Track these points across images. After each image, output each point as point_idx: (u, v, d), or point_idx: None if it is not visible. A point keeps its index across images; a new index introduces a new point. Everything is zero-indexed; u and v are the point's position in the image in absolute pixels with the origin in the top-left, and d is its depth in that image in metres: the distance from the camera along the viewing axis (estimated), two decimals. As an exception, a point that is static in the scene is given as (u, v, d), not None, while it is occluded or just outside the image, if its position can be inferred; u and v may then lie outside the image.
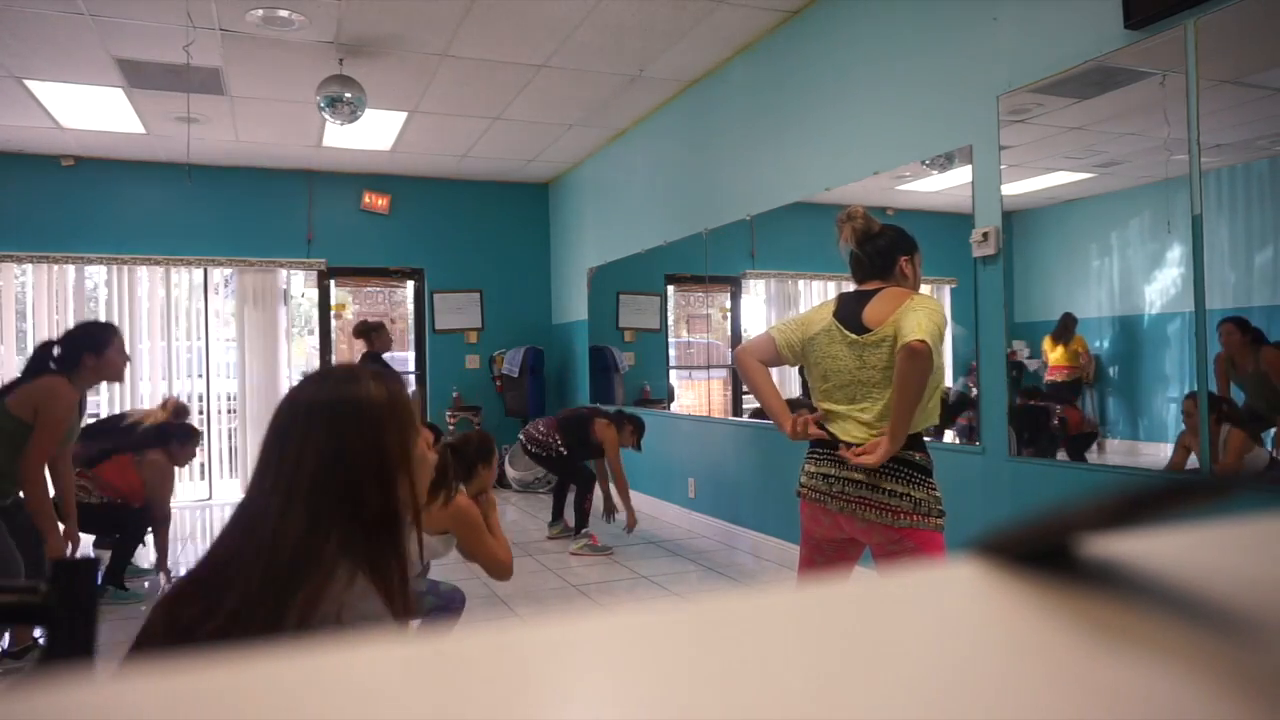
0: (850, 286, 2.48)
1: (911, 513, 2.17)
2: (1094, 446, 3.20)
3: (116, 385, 6.46)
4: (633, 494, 6.72)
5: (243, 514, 1.15)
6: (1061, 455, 3.25)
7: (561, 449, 5.24)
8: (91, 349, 3.19)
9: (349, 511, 1.13)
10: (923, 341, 2.03)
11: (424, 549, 2.82)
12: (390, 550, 1.16)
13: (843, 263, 2.51)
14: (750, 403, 5.69)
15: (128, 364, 3.36)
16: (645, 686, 0.22)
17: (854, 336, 2.26)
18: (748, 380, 2.47)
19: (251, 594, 1.06)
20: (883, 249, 2.37)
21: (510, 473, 7.56)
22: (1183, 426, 2.75)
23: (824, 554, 2.41)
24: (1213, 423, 2.60)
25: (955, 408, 3.67)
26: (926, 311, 2.15)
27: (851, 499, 2.21)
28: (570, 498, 5.38)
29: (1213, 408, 2.61)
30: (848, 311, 2.32)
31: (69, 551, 3.20)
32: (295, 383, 1.25)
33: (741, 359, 2.45)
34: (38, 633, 3.38)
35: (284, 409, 1.18)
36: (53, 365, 3.15)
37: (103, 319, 7.20)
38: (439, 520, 2.80)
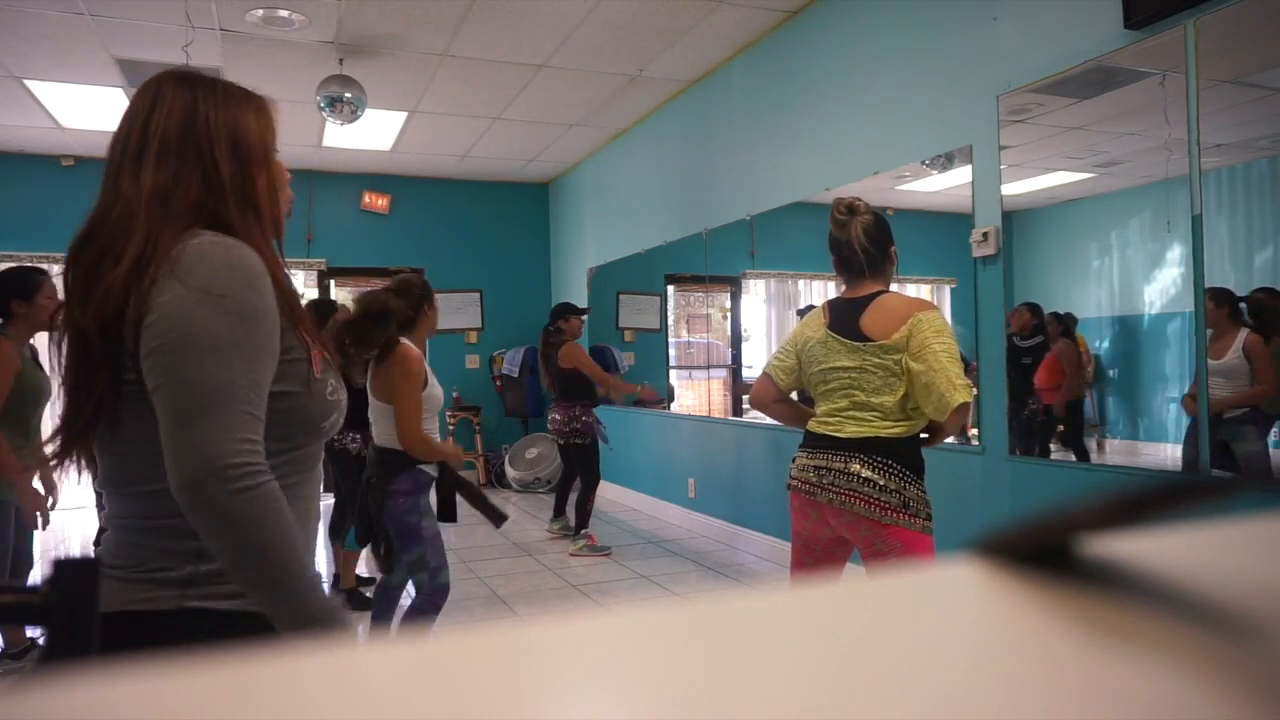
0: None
1: (900, 510, 2.17)
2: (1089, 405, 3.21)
3: None
4: (633, 494, 6.73)
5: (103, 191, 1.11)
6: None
7: (578, 432, 5.25)
8: (19, 295, 2.98)
9: (201, 173, 1.10)
10: (965, 403, 2.15)
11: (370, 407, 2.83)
12: (254, 230, 1.14)
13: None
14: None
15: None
16: (645, 686, 0.22)
17: (855, 344, 2.25)
18: (777, 419, 2.59)
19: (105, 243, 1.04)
20: (877, 239, 2.34)
21: (510, 473, 7.56)
22: (1188, 421, 2.76)
23: (813, 555, 2.40)
24: (1225, 319, 2.59)
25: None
26: (944, 344, 2.17)
27: (842, 491, 2.21)
28: (573, 497, 5.38)
29: (1223, 302, 2.60)
30: (844, 322, 2.30)
31: (41, 523, 3.01)
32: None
33: (763, 409, 2.56)
34: (35, 632, 3.37)
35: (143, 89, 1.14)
36: None
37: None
38: (380, 379, 2.79)
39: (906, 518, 2.17)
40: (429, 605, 2.86)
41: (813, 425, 2.37)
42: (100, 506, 4.62)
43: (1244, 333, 2.57)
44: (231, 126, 1.14)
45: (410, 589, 2.96)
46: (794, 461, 2.40)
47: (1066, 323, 3.23)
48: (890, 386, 2.21)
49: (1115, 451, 3.13)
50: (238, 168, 1.13)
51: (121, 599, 1.03)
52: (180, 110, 1.11)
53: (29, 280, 3.03)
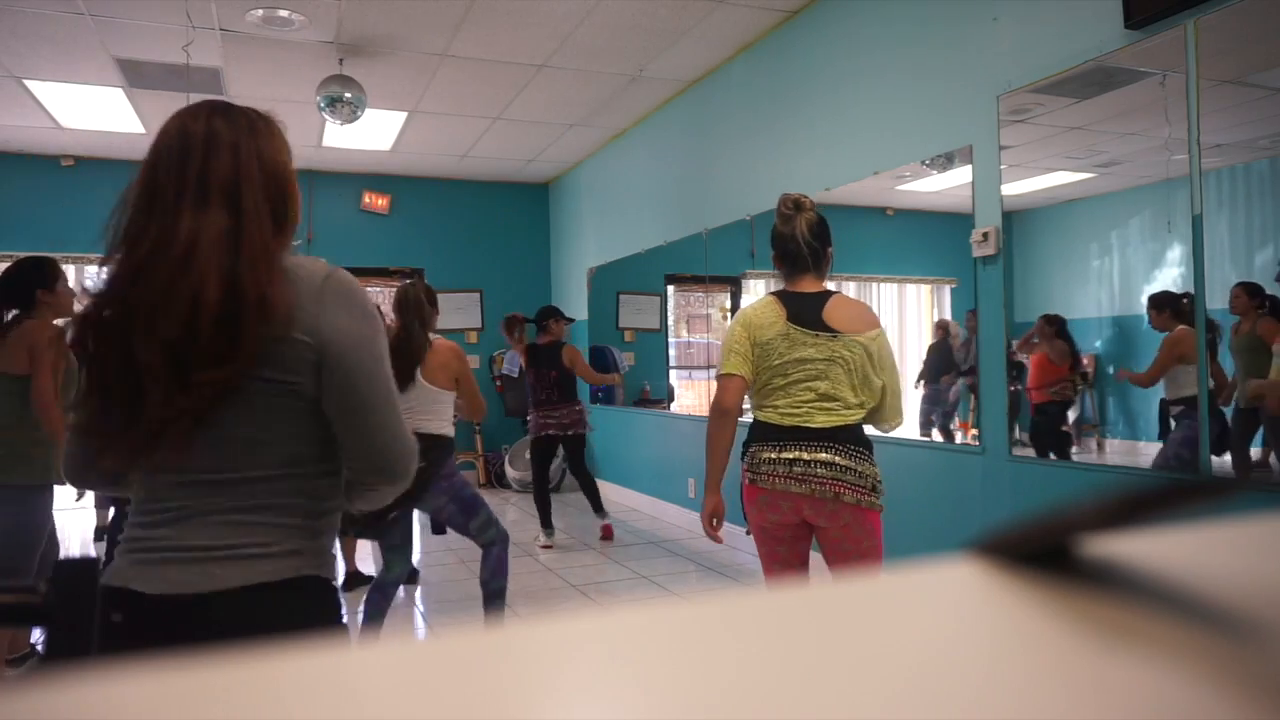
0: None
1: (870, 491, 2.29)
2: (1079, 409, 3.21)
3: None
4: (633, 494, 6.73)
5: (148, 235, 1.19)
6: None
7: (575, 424, 5.35)
8: (43, 285, 3.03)
9: (262, 215, 1.19)
10: (900, 423, 2.43)
11: (424, 392, 3.18)
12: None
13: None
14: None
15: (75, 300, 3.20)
16: (645, 686, 0.22)
17: (825, 335, 2.30)
18: (715, 441, 2.47)
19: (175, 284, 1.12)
20: (820, 235, 2.40)
21: (510, 473, 7.55)
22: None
23: (783, 544, 2.42)
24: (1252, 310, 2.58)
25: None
26: (890, 361, 2.37)
27: (825, 480, 2.26)
28: (573, 497, 5.46)
29: (1254, 294, 2.60)
30: (804, 315, 2.32)
31: None
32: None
33: (724, 419, 2.43)
34: (36, 636, 3.36)
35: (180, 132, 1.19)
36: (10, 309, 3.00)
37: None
38: (439, 369, 3.15)
39: (874, 499, 2.30)
40: (506, 555, 3.21)
41: (773, 418, 2.37)
42: (111, 504, 4.63)
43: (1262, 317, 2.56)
44: (275, 167, 1.24)
45: (412, 590, 3.03)
46: (754, 456, 2.38)
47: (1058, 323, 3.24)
48: (850, 380, 2.31)
49: (1115, 451, 3.13)
50: (282, 204, 1.25)
51: (239, 574, 1.12)
52: (229, 156, 1.18)
53: (49, 270, 3.10)
